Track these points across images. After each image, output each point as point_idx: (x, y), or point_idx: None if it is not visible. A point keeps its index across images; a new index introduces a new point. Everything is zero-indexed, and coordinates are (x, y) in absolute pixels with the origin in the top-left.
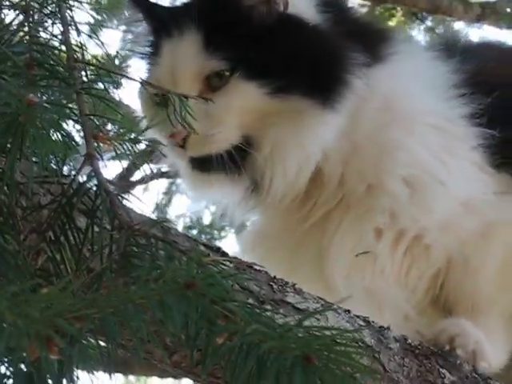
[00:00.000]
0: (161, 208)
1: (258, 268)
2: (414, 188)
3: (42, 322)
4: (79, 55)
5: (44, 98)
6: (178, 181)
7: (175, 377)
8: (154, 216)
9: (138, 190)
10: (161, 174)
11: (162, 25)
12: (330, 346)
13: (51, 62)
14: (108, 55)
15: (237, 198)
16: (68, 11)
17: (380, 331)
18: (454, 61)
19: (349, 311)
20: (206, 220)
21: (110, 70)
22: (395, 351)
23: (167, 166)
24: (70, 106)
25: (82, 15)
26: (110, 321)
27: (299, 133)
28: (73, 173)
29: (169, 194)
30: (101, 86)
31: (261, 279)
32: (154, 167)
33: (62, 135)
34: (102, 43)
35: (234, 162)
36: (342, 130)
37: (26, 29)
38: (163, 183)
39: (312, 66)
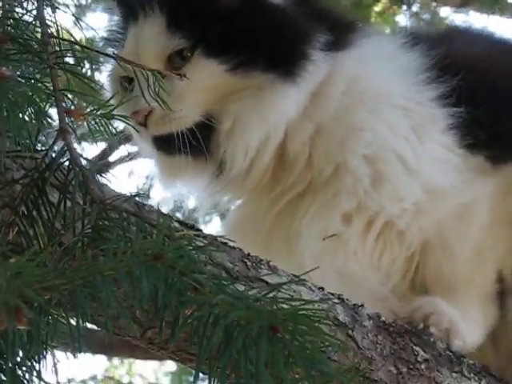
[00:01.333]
0: (144, 191)
1: (232, 245)
2: (375, 167)
3: (9, 291)
4: (54, 31)
5: (17, 72)
6: None
7: (159, 359)
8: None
9: (118, 171)
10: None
11: (131, 11)
12: (296, 317)
13: (25, 37)
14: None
15: (204, 183)
16: None
17: (354, 309)
18: (421, 47)
19: (322, 288)
20: (191, 204)
21: (84, 45)
22: (369, 329)
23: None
24: (44, 80)
25: None
26: (79, 292)
27: (260, 107)
28: (46, 147)
29: (151, 177)
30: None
31: (235, 256)
32: (132, 148)
33: (35, 110)
34: (79, 24)
35: (197, 141)
36: (306, 111)
37: (0, 4)
38: (148, 166)
39: (272, 41)
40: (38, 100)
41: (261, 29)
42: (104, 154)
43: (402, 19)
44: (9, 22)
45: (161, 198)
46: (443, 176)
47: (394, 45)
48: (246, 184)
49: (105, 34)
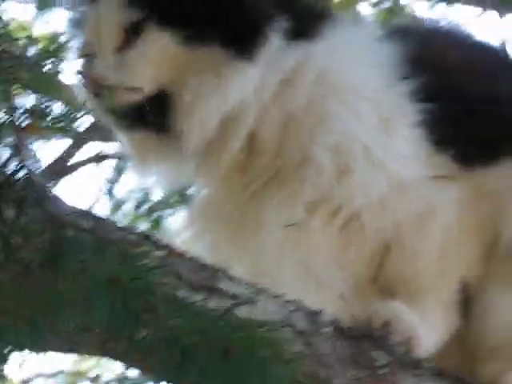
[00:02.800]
0: (111, 184)
1: (189, 256)
2: (341, 157)
3: None
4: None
5: None
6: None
7: None
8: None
9: (87, 168)
10: (103, 157)
11: None
12: (250, 338)
13: None
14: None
15: (171, 162)
16: None
17: (312, 315)
18: (396, 41)
19: (280, 297)
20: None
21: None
22: (327, 335)
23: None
24: None
25: None
26: (40, 318)
27: (219, 82)
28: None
29: (119, 169)
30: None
31: (192, 266)
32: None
33: None
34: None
35: (153, 115)
36: (276, 99)
37: None
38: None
39: (228, 18)
40: None
41: (216, 4)
42: (69, 153)
43: (364, 8)
44: None
45: (128, 190)
46: (408, 169)
47: (366, 36)
48: (218, 168)
49: (71, 16)
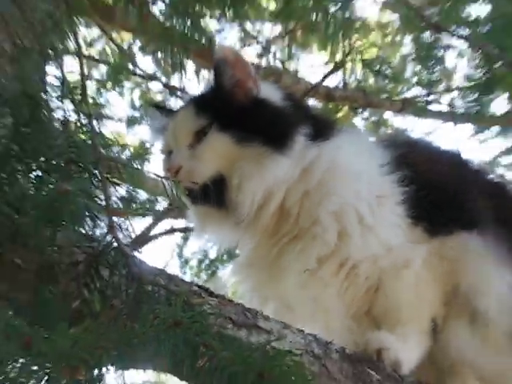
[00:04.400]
0: (180, 247)
1: (236, 302)
2: (340, 222)
3: (71, 355)
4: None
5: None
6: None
7: None
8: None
9: (163, 241)
10: (173, 230)
11: (173, 111)
12: (280, 366)
13: (83, 160)
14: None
15: (227, 229)
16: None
17: (325, 345)
18: (387, 146)
19: (302, 331)
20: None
21: (126, 163)
22: (336, 358)
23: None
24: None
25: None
26: (122, 351)
27: (260, 168)
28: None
29: (185, 236)
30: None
31: (238, 310)
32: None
33: (90, 215)
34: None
35: (214, 193)
36: (300, 180)
37: (65, 136)
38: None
39: (269, 127)
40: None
41: (262, 118)
42: (150, 227)
43: (358, 121)
44: (71, 150)
45: (192, 251)
46: (393, 235)
47: (364, 140)
48: (257, 229)
49: (154, 126)
